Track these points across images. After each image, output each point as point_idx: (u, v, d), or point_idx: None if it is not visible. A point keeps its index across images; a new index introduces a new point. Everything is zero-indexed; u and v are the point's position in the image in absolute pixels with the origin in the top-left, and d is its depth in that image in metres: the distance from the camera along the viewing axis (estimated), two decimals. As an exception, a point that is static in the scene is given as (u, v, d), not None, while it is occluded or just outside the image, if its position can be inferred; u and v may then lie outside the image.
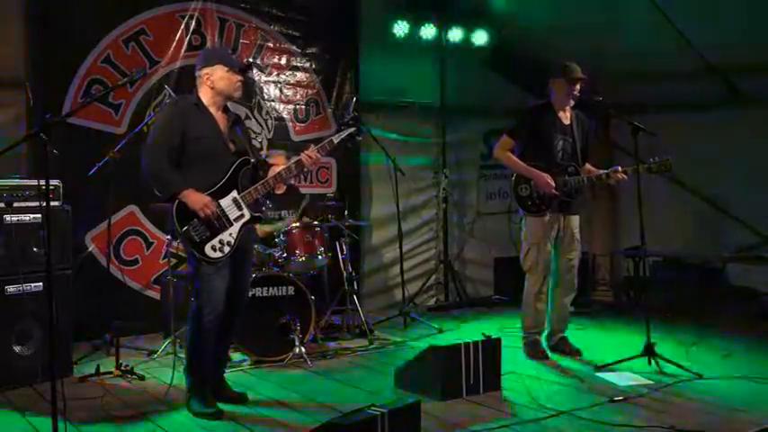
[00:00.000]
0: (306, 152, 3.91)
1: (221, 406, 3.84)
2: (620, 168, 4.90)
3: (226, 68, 3.83)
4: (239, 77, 3.88)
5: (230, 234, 3.79)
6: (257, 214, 3.92)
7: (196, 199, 3.70)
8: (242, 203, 3.83)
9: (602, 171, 4.99)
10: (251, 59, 6.31)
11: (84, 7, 5.50)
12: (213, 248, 3.74)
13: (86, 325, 5.14)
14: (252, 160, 3.93)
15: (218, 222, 3.76)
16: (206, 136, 3.79)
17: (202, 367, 3.86)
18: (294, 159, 3.95)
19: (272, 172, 3.97)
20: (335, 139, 3.95)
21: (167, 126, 3.79)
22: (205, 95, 3.87)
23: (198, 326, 3.80)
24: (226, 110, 3.97)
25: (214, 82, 3.84)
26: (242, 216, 3.83)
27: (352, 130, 4.07)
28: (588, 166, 5.09)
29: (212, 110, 3.87)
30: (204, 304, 3.77)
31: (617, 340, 5.54)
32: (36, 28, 5.27)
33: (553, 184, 4.85)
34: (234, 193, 3.83)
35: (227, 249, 3.77)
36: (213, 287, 3.77)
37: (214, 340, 3.86)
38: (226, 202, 3.80)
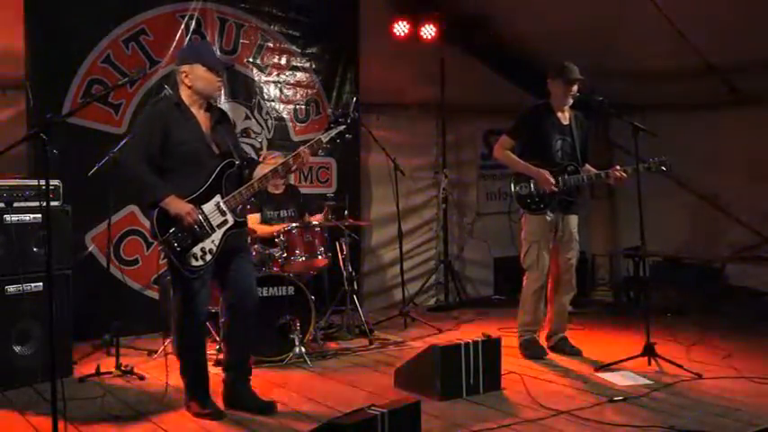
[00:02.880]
0: (293, 153, 3.80)
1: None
2: (618, 167, 4.92)
3: (204, 68, 3.71)
4: (220, 77, 3.76)
5: (212, 241, 3.67)
6: (241, 219, 3.80)
7: (178, 206, 3.57)
8: (225, 209, 3.71)
9: (600, 170, 5.00)
10: (250, 60, 6.31)
11: (84, 7, 5.50)
12: (195, 257, 3.62)
13: (86, 325, 5.13)
14: (236, 162, 3.80)
15: (201, 229, 3.64)
16: (188, 140, 3.66)
17: (195, 369, 3.83)
18: (281, 161, 3.85)
19: (260, 171, 3.82)
20: (324, 138, 3.81)
21: (147, 129, 3.68)
22: (185, 94, 3.75)
23: (184, 333, 3.77)
24: (209, 108, 3.83)
25: (192, 81, 3.71)
26: (225, 222, 3.71)
27: (342, 128, 3.86)
28: (588, 166, 5.09)
29: (194, 109, 3.75)
30: (187, 312, 3.71)
31: (617, 340, 5.54)
32: (36, 28, 5.26)
33: (553, 180, 4.86)
34: (217, 198, 3.70)
35: (208, 258, 3.65)
36: (195, 294, 3.69)
37: (202, 343, 3.83)
38: (209, 207, 3.68)
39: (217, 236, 3.69)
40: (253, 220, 5.34)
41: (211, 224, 3.68)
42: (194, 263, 3.63)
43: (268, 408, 3.84)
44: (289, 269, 5.15)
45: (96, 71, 5.53)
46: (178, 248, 3.61)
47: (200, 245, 3.64)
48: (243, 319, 3.89)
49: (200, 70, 3.71)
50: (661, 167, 4.77)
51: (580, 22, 6.23)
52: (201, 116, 3.78)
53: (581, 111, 5.16)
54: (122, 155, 3.68)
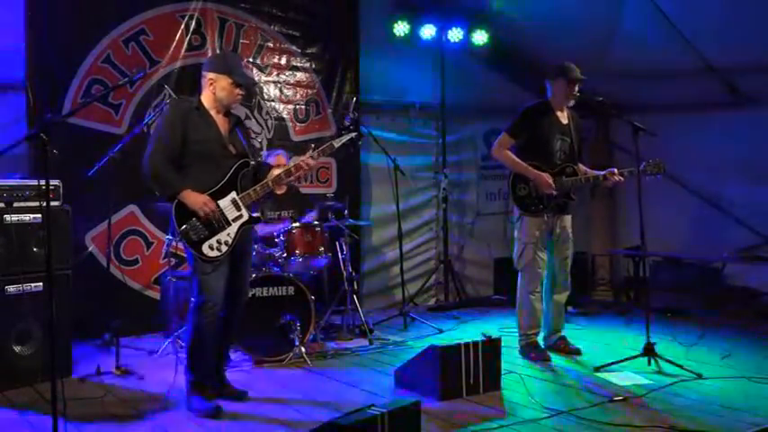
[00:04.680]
0: (305, 155, 3.93)
1: (223, 404, 3.86)
2: (616, 170, 4.91)
3: (230, 81, 3.85)
4: (241, 92, 3.91)
5: (228, 234, 3.82)
6: (256, 215, 3.95)
7: (195, 198, 3.75)
8: (240, 204, 3.87)
9: (598, 172, 4.99)
10: (250, 60, 6.31)
11: (84, 7, 5.50)
12: (211, 247, 3.78)
13: (86, 325, 5.13)
14: (251, 162, 3.96)
15: (217, 222, 3.80)
16: (206, 139, 3.83)
17: (202, 365, 3.89)
18: (293, 162, 3.99)
19: (272, 173, 3.98)
20: (336, 144, 3.97)
21: (168, 128, 3.82)
22: (206, 99, 3.91)
23: (197, 324, 3.84)
24: (227, 113, 3.99)
25: (215, 89, 3.87)
26: (240, 216, 3.87)
27: (354, 134, 4.13)
28: (582, 166, 5.09)
29: (212, 113, 3.90)
30: (203, 302, 3.81)
31: (617, 340, 5.54)
32: (36, 28, 5.26)
33: (553, 184, 4.86)
34: (233, 194, 3.87)
35: (224, 249, 3.80)
36: (211, 285, 3.81)
37: (213, 338, 3.89)
38: (224, 202, 3.84)
39: (232, 229, 3.85)
40: None
41: (227, 218, 3.83)
42: (211, 254, 3.78)
43: (241, 395, 4.05)
44: (289, 269, 5.15)
45: (96, 71, 5.53)
46: (195, 239, 3.76)
47: (217, 236, 3.80)
48: (233, 317, 4.05)
49: (225, 82, 3.86)
50: (656, 170, 4.75)
51: (581, 22, 6.23)
52: (220, 120, 3.93)
53: (581, 111, 5.15)
54: (145, 153, 3.82)
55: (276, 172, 3.96)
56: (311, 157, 3.91)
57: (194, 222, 3.76)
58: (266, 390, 4.26)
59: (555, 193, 4.87)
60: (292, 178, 4.00)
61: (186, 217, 3.76)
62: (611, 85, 6.24)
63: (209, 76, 3.89)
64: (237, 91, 3.88)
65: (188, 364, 3.90)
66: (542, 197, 4.92)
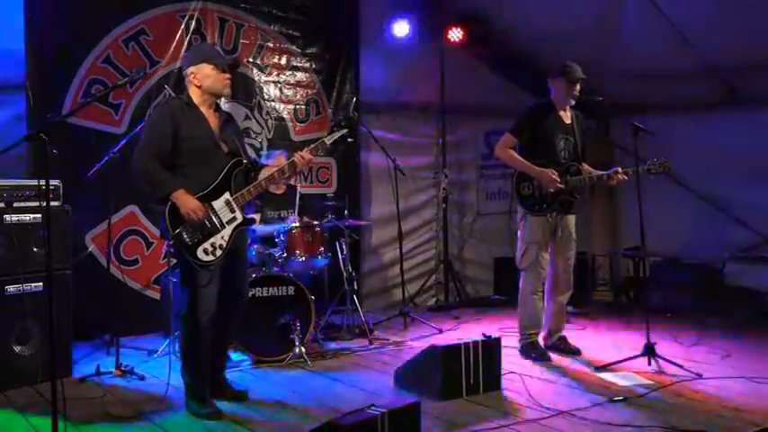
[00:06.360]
0: (298, 153, 3.89)
1: (222, 405, 3.85)
2: (620, 169, 4.91)
3: (211, 66, 3.79)
4: (227, 75, 3.84)
5: (222, 237, 3.75)
6: (250, 217, 3.90)
7: (187, 202, 3.65)
8: (234, 206, 3.80)
9: (603, 171, 4.99)
10: (250, 60, 6.31)
11: (83, 7, 5.50)
12: (205, 252, 3.70)
13: (86, 325, 5.13)
14: (244, 161, 3.90)
15: (211, 225, 3.73)
16: (197, 136, 3.75)
17: (199, 369, 3.85)
18: (287, 161, 3.94)
19: (266, 172, 3.93)
20: (327, 141, 3.95)
21: (158, 127, 3.75)
22: (194, 95, 3.83)
23: (191, 329, 3.79)
24: (217, 109, 3.93)
25: (200, 81, 3.79)
26: (234, 219, 3.81)
27: (345, 131, 4.09)
28: (586, 166, 5.09)
29: (203, 109, 3.83)
30: (196, 307, 3.74)
31: (617, 340, 5.54)
32: (36, 28, 5.26)
33: (558, 179, 4.84)
34: (227, 195, 3.79)
35: (219, 253, 3.73)
36: (204, 290, 3.73)
37: (208, 342, 3.84)
38: (218, 204, 3.77)
39: (226, 232, 3.78)
40: None
41: (221, 220, 3.77)
42: (205, 258, 3.71)
43: (241, 396, 4.02)
44: (289, 269, 5.15)
45: (96, 71, 5.54)
46: (189, 243, 3.69)
47: (211, 240, 3.73)
48: (231, 318, 4.01)
49: (206, 69, 3.80)
50: (661, 169, 4.76)
51: (580, 22, 6.23)
52: (211, 116, 3.86)
53: (581, 111, 5.16)
54: (134, 153, 3.76)
55: (269, 171, 3.90)
56: (303, 155, 3.85)
57: (187, 226, 3.67)
58: (266, 390, 4.26)
59: (562, 186, 4.85)
60: (286, 177, 3.96)
61: (180, 220, 3.67)
62: (612, 85, 6.23)
63: (188, 70, 3.82)
64: (223, 75, 3.81)
65: (184, 367, 3.88)
66: (546, 196, 4.91)
